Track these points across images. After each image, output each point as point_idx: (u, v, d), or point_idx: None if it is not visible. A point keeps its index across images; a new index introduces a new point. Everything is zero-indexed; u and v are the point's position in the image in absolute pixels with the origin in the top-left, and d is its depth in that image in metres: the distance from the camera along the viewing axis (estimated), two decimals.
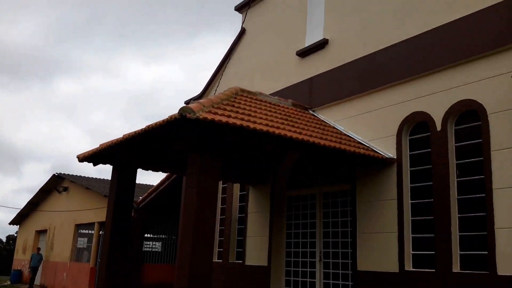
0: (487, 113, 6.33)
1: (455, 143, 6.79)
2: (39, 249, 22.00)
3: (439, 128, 6.87)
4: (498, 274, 5.84)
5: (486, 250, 6.07)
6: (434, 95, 7.03)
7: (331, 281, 8.48)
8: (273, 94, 9.50)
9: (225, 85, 11.00)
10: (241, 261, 10.29)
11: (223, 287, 10.43)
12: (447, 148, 6.74)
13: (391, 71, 7.71)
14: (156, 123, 6.17)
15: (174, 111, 6.28)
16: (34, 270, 21.24)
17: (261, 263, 9.64)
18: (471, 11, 6.75)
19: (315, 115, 9.00)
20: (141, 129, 6.56)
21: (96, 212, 17.74)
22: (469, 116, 6.66)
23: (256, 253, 9.87)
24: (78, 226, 19.96)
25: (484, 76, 6.45)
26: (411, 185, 7.29)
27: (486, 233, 6.10)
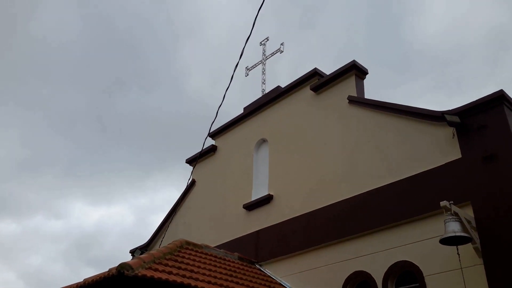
0: (424, 275, 6.54)
1: None
2: None
3: None
4: None
5: None
6: (373, 255, 7.26)
7: None
8: (220, 246, 9.48)
9: (173, 234, 10.92)
10: None
11: None
12: None
13: (332, 229, 8.00)
14: (93, 279, 5.95)
15: (120, 255, 6.13)
16: None
17: None
18: (400, 177, 7.39)
19: (262, 269, 8.93)
20: (77, 284, 6.27)
21: None
22: (408, 276, 6.84)
23: None
24: None
25: (417, 238, 6.82)
26: None
27: None
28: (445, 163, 6.93)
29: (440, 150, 7.10)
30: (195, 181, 12.13)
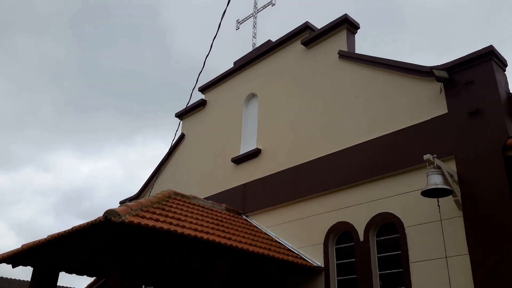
0: (404, 226, 6.74)
1: (378, 253, 7.07)
2: None
3: (362, 238, 7.17)
4: None
5: None
6: (356, 207, 7.44)
7: None
8: (208, 198, 9.63)
9: (162, 187, 11.05)
10: None
11: None
12: (370, 258, 6.99)
13: (317, 182, 8.14)
14: (80, 226, 6.03)
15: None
16: None
17: None
18: (386, 132, 7.47)
19: (248, 220, 9.13)
20: (65, 231, 6.36)
21: None
22: (389, 228, 7.04)
23: None
24: None
25: (400, 191, 6.97)
26: None
27: None
28: (431, 118, 6.98)
29: (427, 105, 7.14)
30: (184, 135, 12.15)
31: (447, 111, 6.88)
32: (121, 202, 12.21)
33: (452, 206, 6.30)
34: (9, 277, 20.91)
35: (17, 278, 20.85)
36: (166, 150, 12.61)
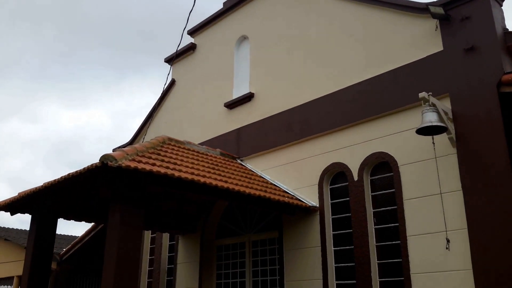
0: (398, 165, 6.83)
1: (371, 192, 7.21)
2: None
3: (356, 178, 7.28)
4: None
5: None
6: (351, 147, 7.50)
7: None
8: (202, 144, 9.63)
9: (155, 134, 10.99)
10: None
11: None
12: (364, 197, 7.13)
13: (311, 124, 8.15)
14: (76, 171, 6.03)
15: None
16: None
17: None
18: (381, 71, 7.40)
19: (243, 164, 9.19)
20: (61, 177, 6.36)
21: (16, 265, 16.48)
22: (383, 167, 7.14)
23: None
24: None
25: (394, 130, 7.00)
26: (333, 232, 7.56)
27: (403, 278, 6.42)
28: (427, 56, 6.91)
29: (423, 43, 7.04)
30: (174, 81, 11.96)
31: (442, 49, 6.79)
32: (114, 151, 12.18)
33: (446, 143, 6.36)
34: (6, 227, 21.19)
35: (14, 227, 21.16)
36: (154, 98, 12.44)
